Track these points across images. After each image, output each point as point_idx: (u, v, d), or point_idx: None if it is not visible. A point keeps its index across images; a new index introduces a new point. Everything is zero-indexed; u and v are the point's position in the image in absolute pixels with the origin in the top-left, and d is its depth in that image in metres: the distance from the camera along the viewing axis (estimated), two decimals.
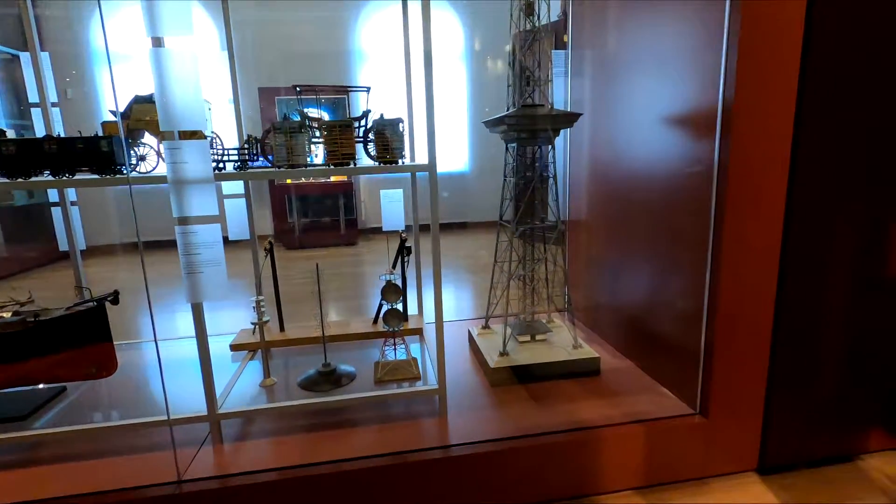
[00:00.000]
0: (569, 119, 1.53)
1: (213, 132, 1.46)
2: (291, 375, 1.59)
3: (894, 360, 1.46)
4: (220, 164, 1.35)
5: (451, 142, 5.05)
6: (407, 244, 1.84)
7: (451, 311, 2.69)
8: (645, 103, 1.60)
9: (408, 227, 1.99)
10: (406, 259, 1.85)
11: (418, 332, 1.87)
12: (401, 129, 1.36)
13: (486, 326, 1.91)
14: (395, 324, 1.49)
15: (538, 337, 1.76)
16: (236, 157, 1.34)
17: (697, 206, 1.38)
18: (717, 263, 1.31)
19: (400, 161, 1.40)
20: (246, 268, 1.88)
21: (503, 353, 1.65)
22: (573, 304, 1.64)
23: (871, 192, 1.32)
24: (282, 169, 1.29)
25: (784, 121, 1.25)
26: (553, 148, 1.63)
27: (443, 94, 4.97)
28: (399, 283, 1.58)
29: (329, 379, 1.49)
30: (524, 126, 1.52)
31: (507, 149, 1.74)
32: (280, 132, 1.25)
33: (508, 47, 1.66)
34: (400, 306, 1.55)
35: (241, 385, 1.54)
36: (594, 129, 1.92)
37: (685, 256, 1.45)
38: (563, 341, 1.75)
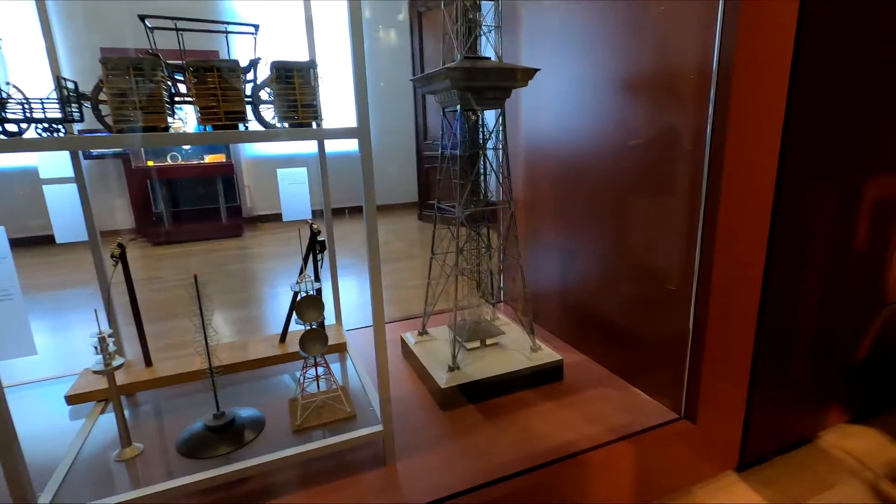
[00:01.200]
0: (526, 75, 1.22)
1: (7, 83, 0.91)
2: (167, 434, 1.11)
3: (855, 340, 1.39)
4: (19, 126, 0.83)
5: (345, 119, 4.54)
6: (319, 237, 1.42)
7: (368, 311, 2.29)
8: (599, 65, 1.34)
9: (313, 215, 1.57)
10: (320, 258, 1.43)
11: (340, 348, 1.47)
12: (315, 79, 0.95)
13: (423, 332, 1.57)
14: (319, 351, 1.08)
15: (489, 341, 1.46)
16: (42, 116, 0.83)
17: (677, 184, 1.16)
18: (710, 250, 1.10)
19: (315, 124, 0.98)
20: (88, 275, 1.32)
21: (453, 368, 1.32)
22: (523, 298, 1.37)
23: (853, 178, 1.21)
24: (124, 132, 0.81)
25: (780, 88, 1.06)
26: (503, 112, 1.31)
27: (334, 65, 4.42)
28: (315, 290, 1.17)
29: (224, 436, 1.05)
30: (473, 82, 1.18)
31: (443, 115, 1.38)
32: (117, 72, 0.77)
33: None
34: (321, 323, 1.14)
35: (86, 459, 1.03)
36: (533, 95, 1.64)
37: (662, 243, 1.23)
38: (518, 344, 1.47)
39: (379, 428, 1.05)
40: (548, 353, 1.41)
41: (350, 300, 2.42)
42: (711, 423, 1.21)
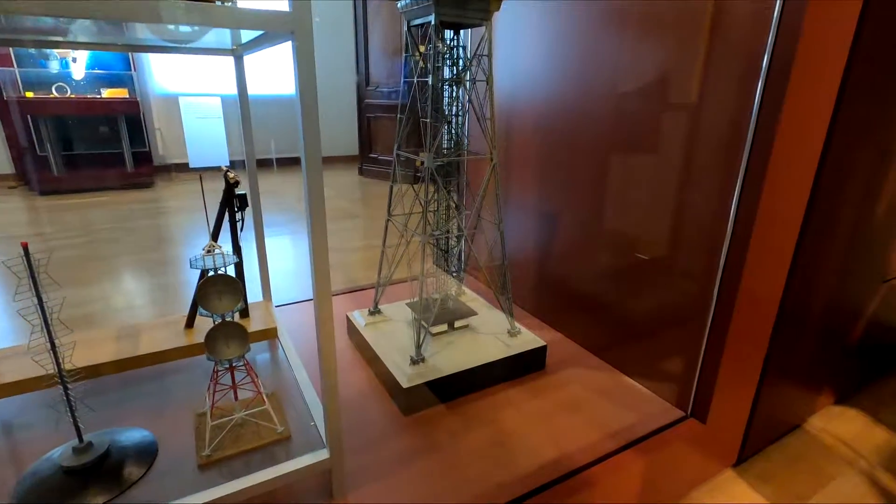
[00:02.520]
0: None
1: None
2: (3, 476, 0.74)
3: (854, 320, 1.26)
4: None
5: (277, 58, 3.93)
6: (239, 190, 1.05)
7: (303, 283, 1.94)
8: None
9: (233, 165, 1.19)
10: (240, 217, 1.06)
11: (269, 334, 1.13)
12: None
13: (374, 311, 1.25)
14: (234, 353, 0.75)
15: (458, 324, 1.18)
16: None
17: (698, 148, 0.91)
18: (745, 233, 0.87)
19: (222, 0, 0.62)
20: None
21: (416, 360, 1.03)
22: (502, 272, 1.09)
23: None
24: None
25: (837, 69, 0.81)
26: (490, 32, 0.98)
27: None
28: (232, 270, 0.81)
29: (90, 479, 0.70)
30: None
31: (407, 30, 1.03)
32: None
33: None
34: (238, 315, 0.80)
35: None
36: (509, 35, 1.31)
37: (670, 214, 0.99)
38: (492, 325, 1.21)
39: (324, 455, 0.75)
40: (529, 338, 1.15)
41: (281, 268, 2.04)
42: (720, 421, 1.02)
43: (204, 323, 1.11)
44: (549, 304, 1.40)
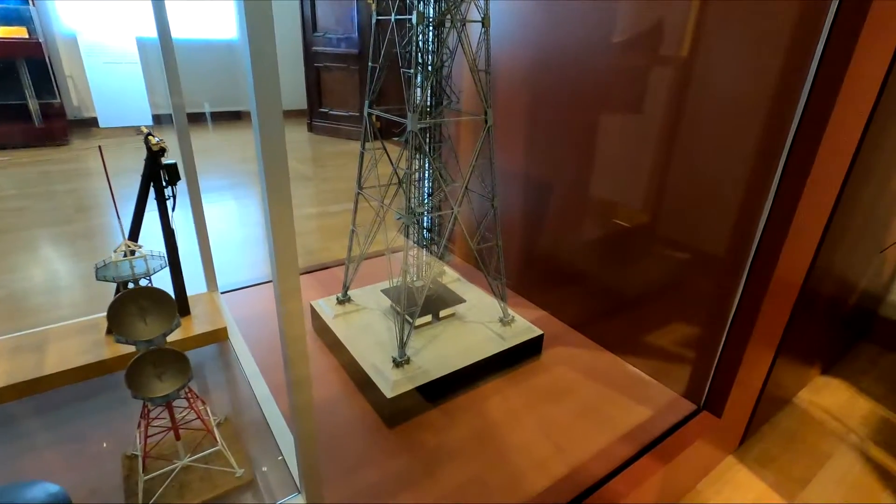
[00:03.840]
0: None
1: None
2: None
3: (849, 292, 1.20)
4: None
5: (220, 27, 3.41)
6: (165, 157, 0.81)
7: (253, 258, 1.70)
8: None
9: (159, 122, 0.95)
10: (170, 193, 0.83)
11: (216, 336, 0.92)
12: None
13: (343, 299, 1.06)
14: (171, 387, 0.55)
15: (443, 313, 1.01)
16: None
17: (725, 111, 0.76)
18: (784, 219, 0.75)
19: None
20: None
21: (400, 362, 0.87)
22: (496, 253, 0.93)
23: None
24: None
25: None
26: None
27: None
28: (155, 272, 0.60)
29: None
30: None
31: None
32: None
33: None
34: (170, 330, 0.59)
35: None
36: None
37: (683, 183, 0.85)
38: (481, 312, 1.05)
39: (299, 502, 0.58)
40: (524, 326, 1.01)
41: (225, 241, 1.78)
42: (734, 412, 0.94)
43: None
44: (535, 279, 1.26)
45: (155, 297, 0.52)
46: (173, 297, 0.54)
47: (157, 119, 0.98)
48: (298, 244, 1.81)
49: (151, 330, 0.52)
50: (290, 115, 3.88)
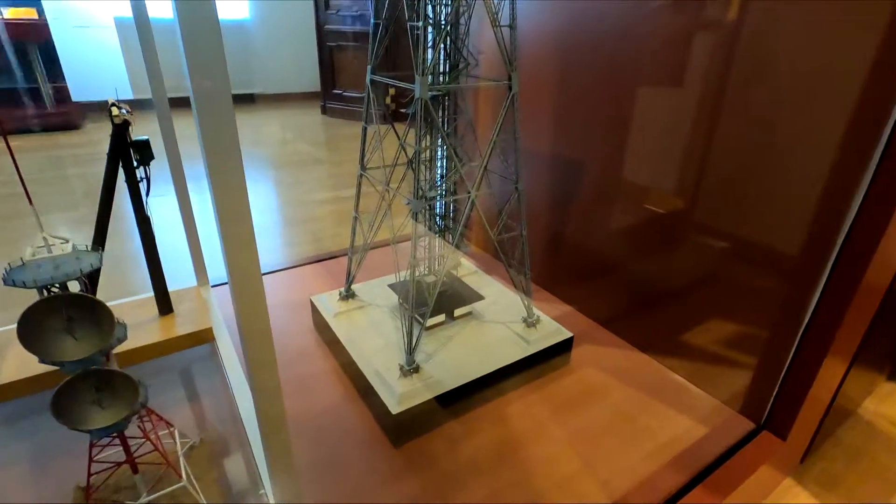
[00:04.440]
0: None
1: None
2: None
3: None
4: None
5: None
6: (139, 135, 0.69)
7: (259, 249, 1.58)
8: None
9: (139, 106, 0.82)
10: (143, 175, 0.71)
11: (204, 337, 0.81)
12: None
13: (346, 294, 0.94)
14: (115, 417, 0.43)
15: (458, 312, 0.89)
16: None
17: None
18: (877, 220, 0.59)
19: None
20: None
21: (408, 370, 0.74)
22: (521, 245, 0.79)
23: None
24: None
25: None
26: None
27: None
28: (86, 278, 0.48)
29: None
30: None
31: None
32: None
33: None
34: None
35: None
36: None
37: (772, 188, 0.70)
38: (502, 311, 0.92)
39: None
40: (551, 328, 0.88)
41: (214, 231, 1.67)
42: (800, 432, 0.79)
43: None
44: (560, 271, 1.12)
45: (86, 306, 0.41)
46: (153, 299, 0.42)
47: (139, 104, 0.86)
48: (307, 230, 1.71)
49: (84, 347, 0.41)
50: (304, 97, 3.76)
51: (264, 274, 1.18)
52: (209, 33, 0.30)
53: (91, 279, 0.59)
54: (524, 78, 0.96)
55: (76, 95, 0.80)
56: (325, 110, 3.37)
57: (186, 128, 0.41)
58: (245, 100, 3.59)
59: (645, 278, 0.95)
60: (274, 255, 1.48)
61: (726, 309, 0.83)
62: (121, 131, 0.65)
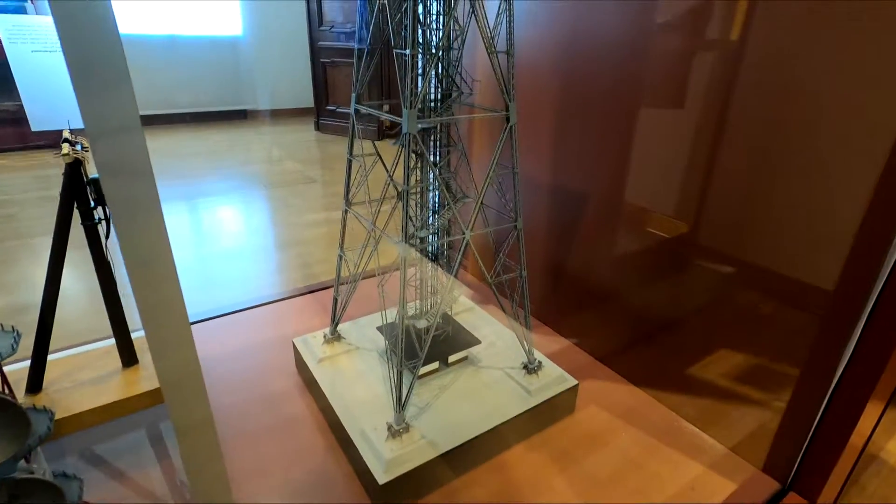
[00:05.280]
0: None
1: None
2: None
3: None
4: None
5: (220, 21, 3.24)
6: (95, 175, 0.62)
7: (238, 280, 1.51)
8: None
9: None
10: (100, 216, 0.64)
11: (143, 401, 0.72)
12: None
13: (332, 336, 0.87)
14: None
15: (453, 359, 0.81)
16: None
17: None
18: None
19: None
20: None
21: (397, 430, 0.67)
22: (519, 282, 0.72)
23: None
24: None
25: None
26: None
27: None
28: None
29: None
30: None
31: None
32: None
33: None
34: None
35: None
36: None
37: (796, 215, 0.64)
38: (499, 355, 0.84)
39: None
40: (554, 374, 0.80)
41: (208, 256, 1.59)
42: (830, 490, 0.72)
43: (52, 376, 0.70)
44: (560, 303, 1.05)
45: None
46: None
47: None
48: (296, 255, 1.63)
49: None
50: (297, 113, 3.71)
51: (250, 308, 1.10)
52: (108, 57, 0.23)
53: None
54: (520, 101, 0.89)
55: (35, 125, 0.73)
56: (318, 126, 3.31)
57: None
58: (237, 116, 3.53)
59: (651, 311, 0.88)
60: (262, 281, 1.40)
61: (744, 348, 0.76)
62: (73, 170, 0.58)
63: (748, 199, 0.69)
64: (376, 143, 0.73)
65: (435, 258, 0.77)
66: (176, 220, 1.92)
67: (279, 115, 3.70)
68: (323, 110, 3.26)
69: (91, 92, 0.26)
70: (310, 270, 1.51)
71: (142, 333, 0.78)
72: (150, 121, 3.25)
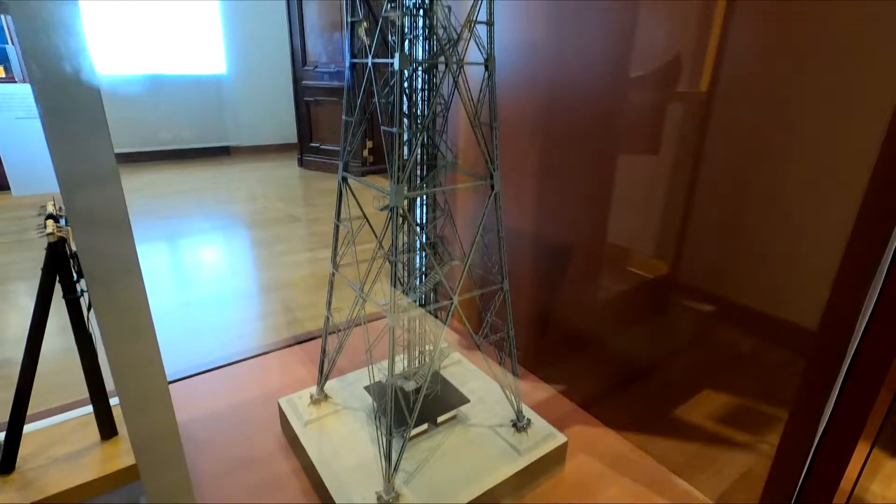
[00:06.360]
0: None
1: None
2: None
3: None
4: None
5: (194, 32, 3.28)
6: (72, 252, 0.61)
7: (226, 325, 1.49)
8: None
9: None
10: (82, 288, 0.63)
11: (114, 480, 0.70)
12: None
13: (319, 397, 0.85)
14: None
15: (442, 419, 0.80)
16: None
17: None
18: None
19: None
20: None
21: (387, 500, 0.65)
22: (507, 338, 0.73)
23: None
24: None
25: None
26: None
27: None
28: None
29: None
30: None
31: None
32: None
33: None
34: None
35: None
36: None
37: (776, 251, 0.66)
38: (488, 412, 0.84)
39: None
40: (544, 432, 0.80)
41: (186, 305, 1.56)
42: None
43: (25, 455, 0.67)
44: (546, 351, 1.06)
45: None
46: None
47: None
48: (279, 299, 1.61)
49: None
50: (280, 149, 3.72)
51: (234, 363, 1.08)
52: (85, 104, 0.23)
53: None
54: (503, 154, 0.92)
55: (17, 191, 0.72)
56: (302, 163, 3.33)
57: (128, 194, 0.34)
58: (220, 152, 3.52)
59: (635, 356, 0.90)
60: (245, 328, 1.38)
61: (730, 390, 0.78)
62: (57, 247, 0.57)
63: (727, 237, 0.71)
64: (360, 179, 0.73)
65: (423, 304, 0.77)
66: (157, 261, 1.89)
67: (262, 151, 3.71)
68: (306, 147, 3.28)
69: (65, 140, 0.26)
70: (293, 316, 1.49)
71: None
72: (133, 158, 3.22)
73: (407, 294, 0.68)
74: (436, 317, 0.76)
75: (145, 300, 0.37)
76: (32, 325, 0.61)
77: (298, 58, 3.13)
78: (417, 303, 0.75)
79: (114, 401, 0.73)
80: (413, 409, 0.68)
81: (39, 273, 0.61)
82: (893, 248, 0.54)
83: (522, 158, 0.98)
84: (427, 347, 0.79)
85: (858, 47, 0.55)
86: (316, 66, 3.08)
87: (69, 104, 0.26)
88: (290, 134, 3.47)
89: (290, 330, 1.37)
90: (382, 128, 0.58)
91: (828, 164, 0.60)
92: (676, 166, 0.75)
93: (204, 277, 1.81)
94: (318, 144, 3.23)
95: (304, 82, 3.15)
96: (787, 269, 0.66)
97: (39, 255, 0.64)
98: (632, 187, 0.81)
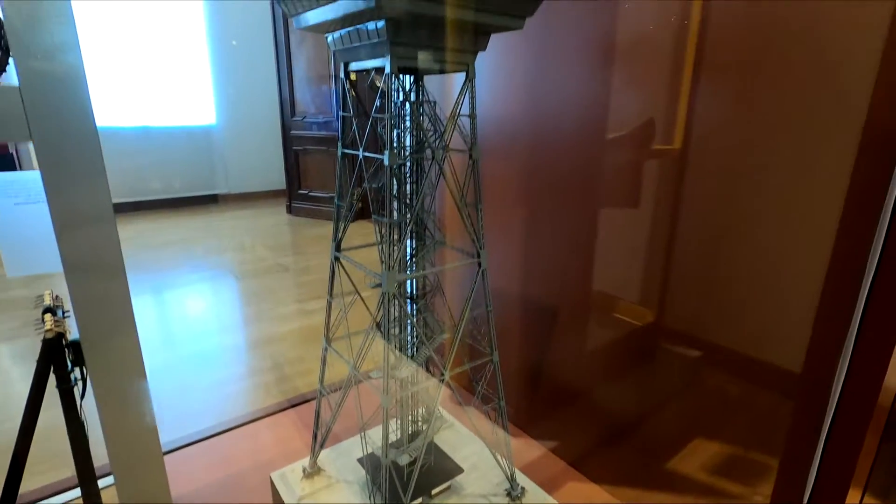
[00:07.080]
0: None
1: None
2: None
3: None
4: None
5: (186, 85, 3.35)
6: (74, 338, 0.61)
7: (215, 384, 1.47)
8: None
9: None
10: (77, 376, 0.63)
11: None
12: None
13: (312, 471, 0.85)
14: None
15: (436, 491, 0.80)
16: None
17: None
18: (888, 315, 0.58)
19: None
20: None
21: None
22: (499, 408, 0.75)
23: None
24: None
25: None
26: (472, 81, 0.63)
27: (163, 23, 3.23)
28: None
29: None
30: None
31: (345, 79, 0.65)
32: None
33: None
34: None
35: None
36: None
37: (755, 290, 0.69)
38: (482, 481, 0.84)
39: None
40: (537, 502, 0.80)
41: (178, 364, 1.54)
42: None
43: None
44: (535, 408, 1.07)
45: None
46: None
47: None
48: (268, 355, 1.60)
49: None
50: (269, 196, 3.76)
51: (225, 431, 1.07)
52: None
53: None
54: (488, 212, 0.95)
55: (11, 272, 0.73)
56: (290, 209, 3.36)
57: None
58: (208, 200, 3.54)
59: (624, 409, 0.91)
60: (234, 387, 1.37)
61: (720, 438, 0.79)
62: (55, 345, 0.58)
63: (707, 283, 0.74)
64: (347, 257, 0.75)
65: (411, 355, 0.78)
66: (145, 315, 1.87)
67: (251, 198, 3.73)
68: (295, 194, 3.32)
69: (62, 182, 0.26)
70: (283, 372, 1.48)
71: (110, 479, 0.74)
72: (124, 208, 3.22)
73: (398, 370, 0.70)
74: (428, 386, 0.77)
75: (142, 365, 0.36)
76: (25, 415, 0.60)
77: (287, 108, 3.21)
78: (409, 380, 0.76)
79: (102, 483, 0.71)
80: (408, 484, 0.68)
81: (19, 334, 0.61)
82: (868, 286, 0.58)
83: (507, 220, 1.02)
84: (420, 411, 0.80)
85: (818, 105, 0.60)
86: (304, 117, 3.16)
87: (71, 143, 0.27)
88: (278, 181, 3.52)
89: (280, 386, 1.36)
90: (374, 218, 0.61)
91: (800, 211, 0.63)
92: (655, 218, 0.78)
93: (192, 333, 1.80)
94: (306, 191, 3.28)
95: (292, 132, 3.22)
96: (768, 312, 0.69)
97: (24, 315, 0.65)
98: (616, 242, 0.85)
